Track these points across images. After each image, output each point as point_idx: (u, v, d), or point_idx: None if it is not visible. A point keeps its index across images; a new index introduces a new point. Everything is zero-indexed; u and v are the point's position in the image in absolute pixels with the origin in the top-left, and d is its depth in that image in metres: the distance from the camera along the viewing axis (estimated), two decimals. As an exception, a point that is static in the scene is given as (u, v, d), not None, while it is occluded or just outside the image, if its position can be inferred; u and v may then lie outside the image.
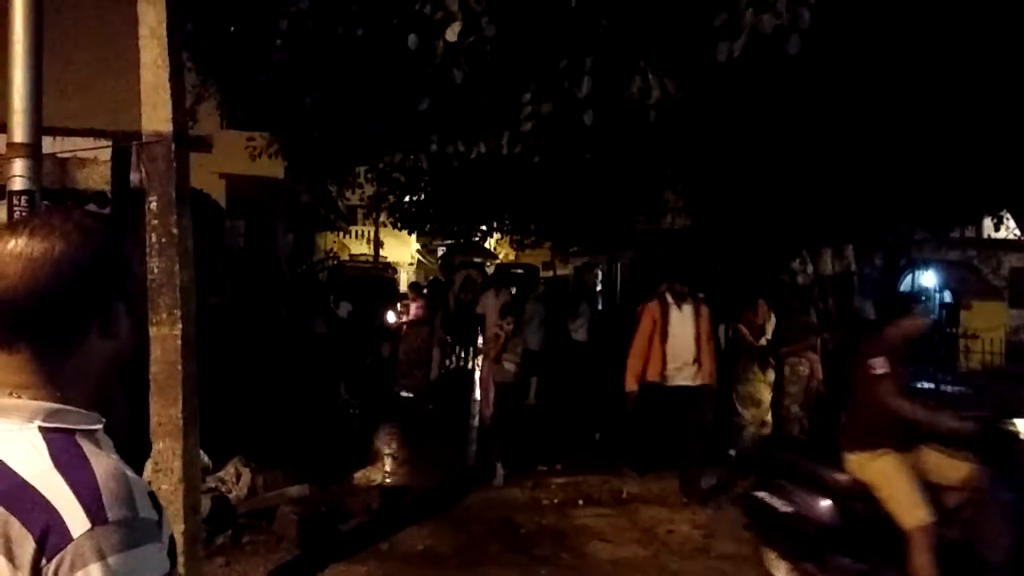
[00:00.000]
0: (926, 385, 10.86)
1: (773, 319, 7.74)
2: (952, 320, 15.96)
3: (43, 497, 0.95)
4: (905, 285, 18.33)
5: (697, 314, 6.54)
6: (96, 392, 1.11)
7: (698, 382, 6.44)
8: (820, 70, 5.28)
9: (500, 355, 7.06)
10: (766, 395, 7.55)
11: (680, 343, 6.46)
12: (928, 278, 18.55)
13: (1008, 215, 10.74)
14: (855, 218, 10.20)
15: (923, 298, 5.12)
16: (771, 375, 7.59)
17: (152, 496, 1.05)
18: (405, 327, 10.97)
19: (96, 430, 1.08)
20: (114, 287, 1.11)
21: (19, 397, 1.04)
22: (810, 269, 9.02)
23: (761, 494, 4.61)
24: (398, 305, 12.59)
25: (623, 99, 4.61)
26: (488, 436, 7.43)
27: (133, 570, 0.95)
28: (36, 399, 1.04)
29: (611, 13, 4.52)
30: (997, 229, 11.62)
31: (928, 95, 6.45)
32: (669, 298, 6.58)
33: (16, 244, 1.04)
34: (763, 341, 7.69)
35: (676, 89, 4.58)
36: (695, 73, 4.77)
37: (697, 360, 6.43)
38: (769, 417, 7.52)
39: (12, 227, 1.08)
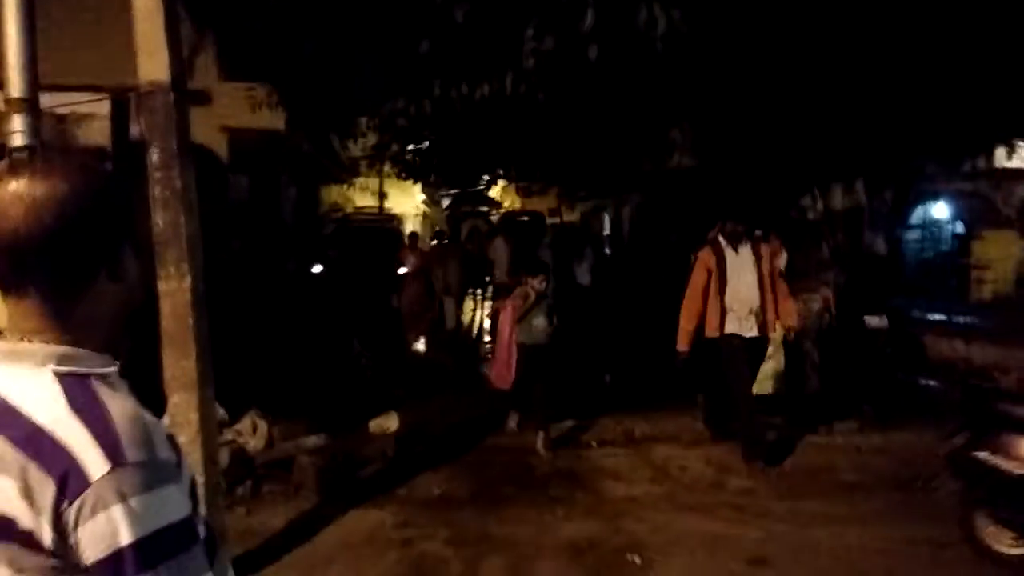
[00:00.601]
0: (939, 316, 10.86)
1: (785, 255, 7.67)
2: (964, 250, 15.86)
3: (61, 442, 0.94)
4: (916, 217, 18.23)
5: (757, 256, 5.84)
6: (108, 336, 1.09)
7: (756, 333, 5.83)
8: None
9: (527, 314, 6.40)
10: (778, 331, 7.53)
11: (741, 292, 5.78)
12: (939, 209, 18.40)
13: (1021, 143, 10.55)
14: (865, 152, 10.04)
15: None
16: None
17: (171, 438, 1.04)
18: (405, 279, 11.01)
19: (110, 373, 1.06)
20: (121, 229, 1.09)
21: (31, 342, 1.02)
22: (820, 205, 8.92)
23: (982, 454, 4.11)
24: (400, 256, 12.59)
25: (628, 32, 4.49)
26: (508, 399, 6.68)
27: (155, 511, 0.94)
28: (48, 343, 1.02)
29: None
30: (1009, 158, 11.42)
31: (938, 24, 6.27)
32: (723, 242, 5.86)
33: (18, 186, 1.01)
34: None
35: (683, 20, 4.45)
36: (702, 2, 4.63)
37: (762, 308, 5.81)
38: (781, 354, 7.50)
39: (12, 169, 1.04)
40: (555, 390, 6.48)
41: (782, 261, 7.57)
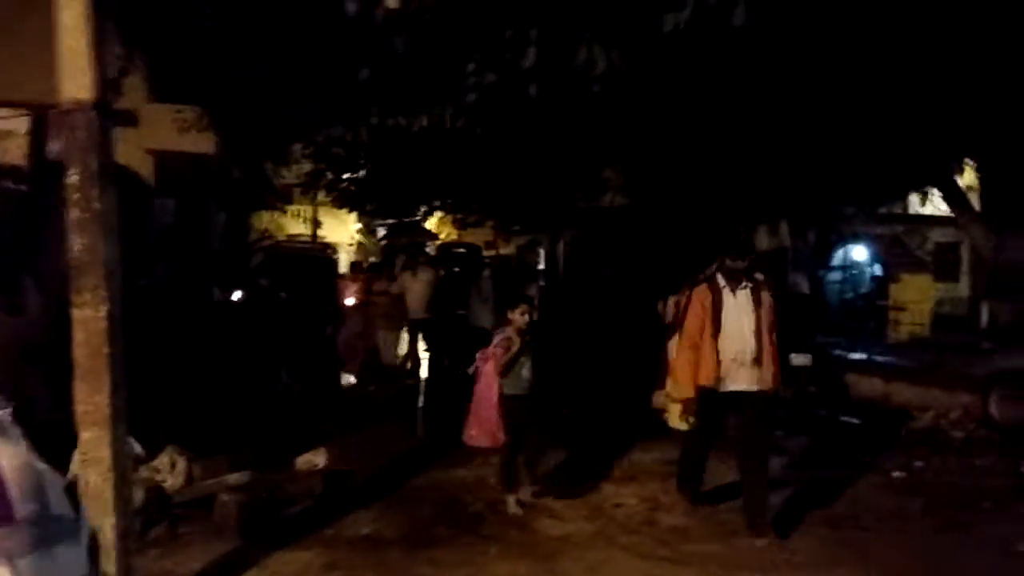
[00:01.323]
0: (859, 356, 11.23)
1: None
2: (882, 293, 16.54)
3: (-57, 495, 0.83)
4: (837, 259, 18.97)
5: (757, 301, 5.17)
6: (5, 373, 0.98)
7: (757, 387, 5.15)
8: (762, 44, 5.30)
9: (512, 363, 5.54)
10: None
11: (736, 337, 5.14)
12: (859, 252, 19.19)
13: (933, 191, 11.14)
14: (788, 195, 10.44)
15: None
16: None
17: (69, 489, 0.94)
18: (345, 311, 10.78)
19: (2, 416, 0.95)
20: (19, 262, 0.98)
21: (-85, 382, 0.91)
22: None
23: None
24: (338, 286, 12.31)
25: (568, 71, 4.54)
26: (506, 467, 5.76)
27: (46, 573, 0.84)
28: (-65, 384, 0.91)
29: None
30: (923, 204, 12.05)
31: (860, 76, 6.58)
32: (721, 280, 5.21)
33: None
34: None
35: (621, 61, 4.53)
36: (641, 45, 4.72)
37: (757, 359, 5.12)
38: None
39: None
40: (552, 442, 5.98)
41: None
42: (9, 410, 0.99)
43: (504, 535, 5.17)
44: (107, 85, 3.67)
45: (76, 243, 3.60)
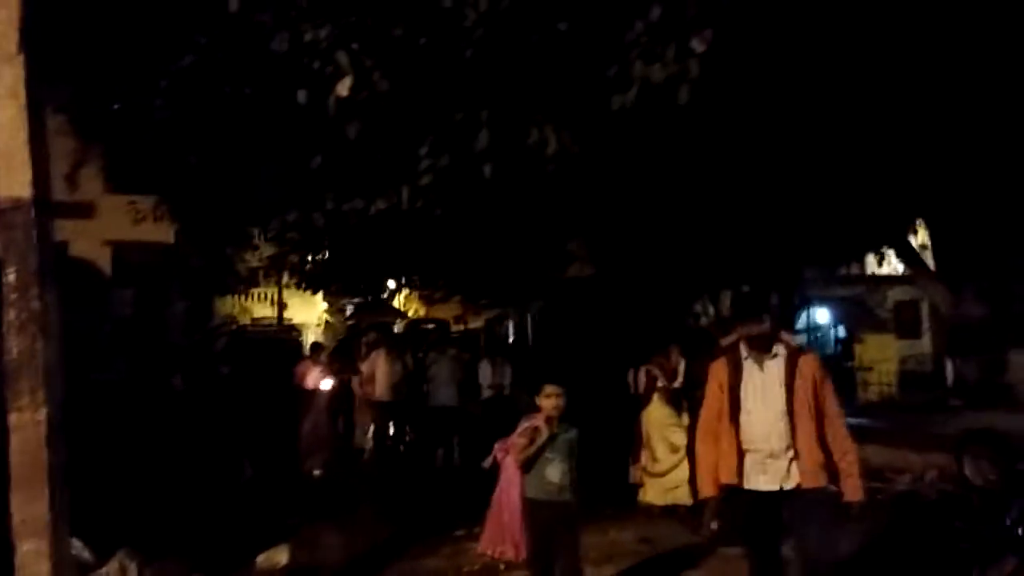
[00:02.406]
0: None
1: (683, 363, 7.80)
2: (847, 354, 16.68)
3: None
4: (801, 322, 19.20)
5: (791, 373, 4.07)
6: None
7: (792, 484, 4.00)
8: (710, 116, 5.42)
9: (535, 458, 4.46)
10: (683, 439, 7.50)
11: (762, 421, 4.06)
12: (822, 314, 19.44)
13: (889, 251, 11.39)
14: (750, 259, 10.59)
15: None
16: (685, 419, 7.59)
17: None
18: (307, 397, 10.46)
19: None
20: None
21: None
22: (712, 310, 9.22)
23: None
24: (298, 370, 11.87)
25: (521, 151, 4.59)
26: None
27: None
28: None
29: (505, 67, 4.52)
30: (880, 265, 12.29)
31: (813, 141, 6.76)
32: (744, 351, 4.19)
33: None
34: (676, 384, 7.70)
35: (573, 141, 4.59)
36: (591, 124, 4.80)
37: (792, 448, 4.00)
38: (686, 462, 7.47)
39: None
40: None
41: (680, 369, 7.65)
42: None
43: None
44: (48, 181, 3.60)
45: (14, 345, 3.46)
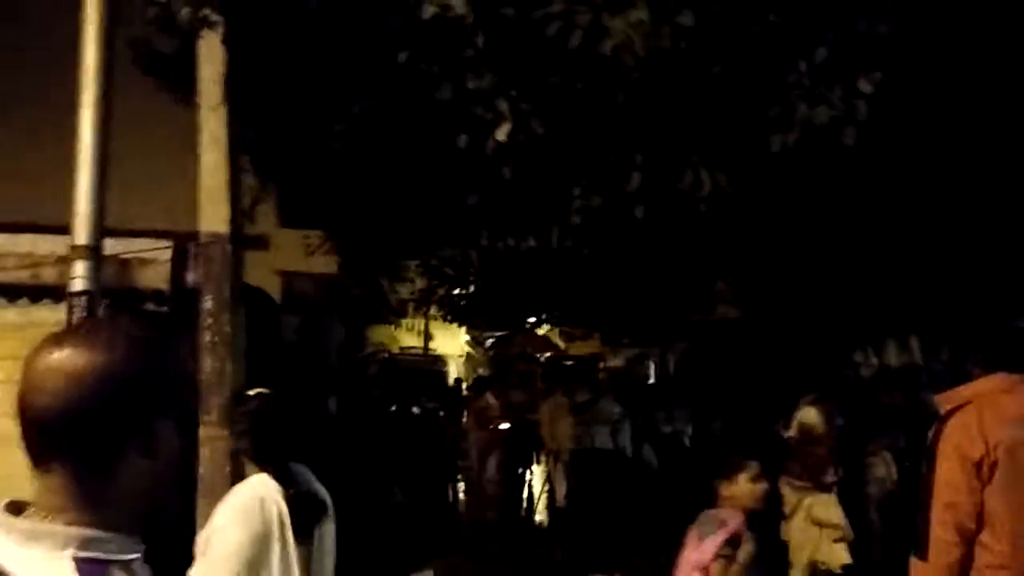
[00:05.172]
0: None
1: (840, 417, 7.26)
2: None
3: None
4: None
5: None
6: (139, 515, 1.03)
7: None
8: (877, 159, 5.20)
9: None
10: (838, 511, 5.99)
11: None
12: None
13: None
14: (918, 305, 9.86)
15: None
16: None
17: None
18: (482, 439, 10.25)
19: (134, 559, 0.99)
20: (158, 405, 1.04)
21: (53, 521, 0.97)
22: (874, 360, 8.69)
23: None
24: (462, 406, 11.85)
25: (674, 192, 4.59)
26: None
27: None
28: (71, 524, 0.97)
29: (661, 108, 4.56)
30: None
31: (990, 181, 6.30)
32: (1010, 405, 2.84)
33: (57, 356, 0.99)
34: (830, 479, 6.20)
35: (728, 182, 4.54)
36: (747, 165, 4.73)
37: None
38: (850, 532, 5.91)
39: (57, 338, 1.03)
40: None
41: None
42: (140, 553, 1.03)
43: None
44: (240, 218, 3.99)
45: (207, 365, 3.84)
